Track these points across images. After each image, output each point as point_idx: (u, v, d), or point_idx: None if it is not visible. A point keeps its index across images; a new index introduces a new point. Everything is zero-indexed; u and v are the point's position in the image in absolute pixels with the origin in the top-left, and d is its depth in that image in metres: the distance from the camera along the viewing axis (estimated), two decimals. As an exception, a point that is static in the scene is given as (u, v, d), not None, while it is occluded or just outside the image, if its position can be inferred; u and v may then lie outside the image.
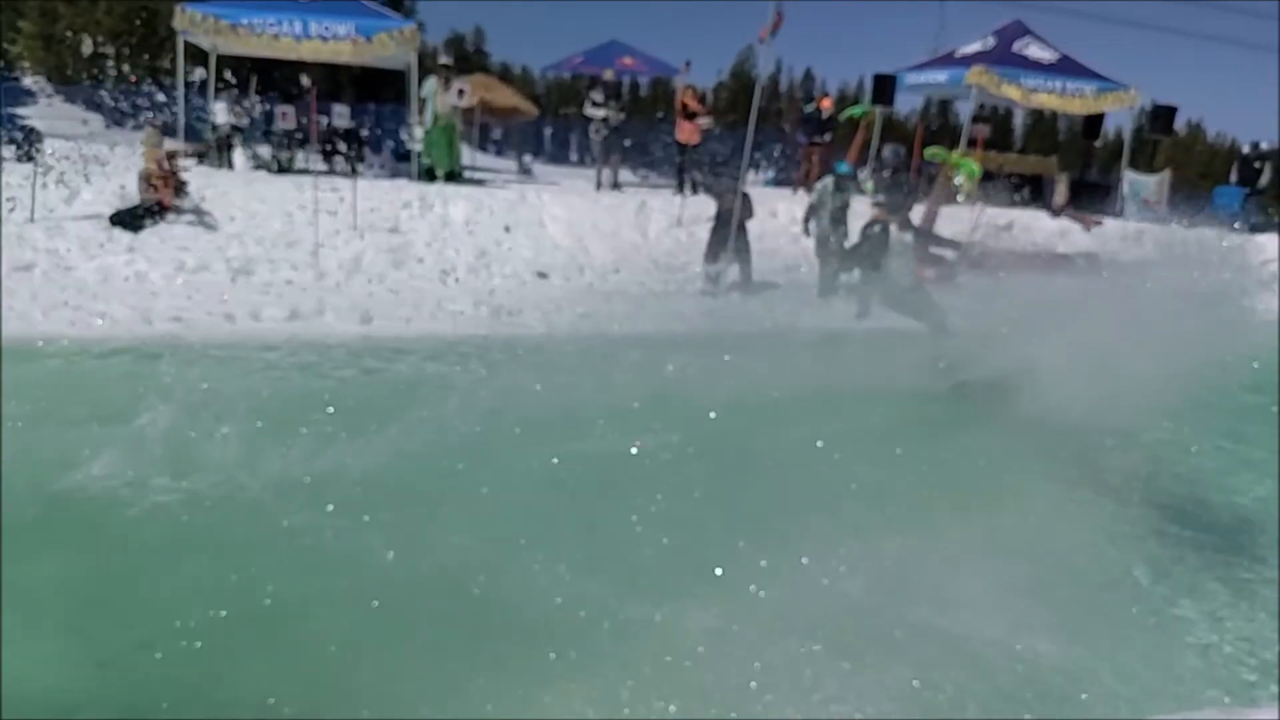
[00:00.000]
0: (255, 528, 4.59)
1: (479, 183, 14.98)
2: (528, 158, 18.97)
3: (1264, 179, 18.54)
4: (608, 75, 15.66)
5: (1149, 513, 5.80)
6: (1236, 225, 17.15)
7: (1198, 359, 6.98)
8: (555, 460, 5.46)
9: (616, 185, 14.89)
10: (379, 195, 12.56)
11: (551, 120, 23.97)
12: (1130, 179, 18.52)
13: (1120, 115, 19.46)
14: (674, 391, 7.45)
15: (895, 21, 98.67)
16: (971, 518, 5.37)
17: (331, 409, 6.46)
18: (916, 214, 13.45)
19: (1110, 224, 16.52)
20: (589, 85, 16.61)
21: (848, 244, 12.04)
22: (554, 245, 12.38)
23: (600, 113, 14.69)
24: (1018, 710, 3.65)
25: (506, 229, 12.47)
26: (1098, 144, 21.57)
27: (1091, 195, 17.81)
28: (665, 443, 6.05)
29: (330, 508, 4.65)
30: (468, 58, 50.58)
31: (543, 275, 11.64)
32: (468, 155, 16.25)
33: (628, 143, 16.77)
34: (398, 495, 4.94)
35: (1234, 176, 18.93)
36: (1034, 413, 7.27)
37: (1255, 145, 18.87)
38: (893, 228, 9.36)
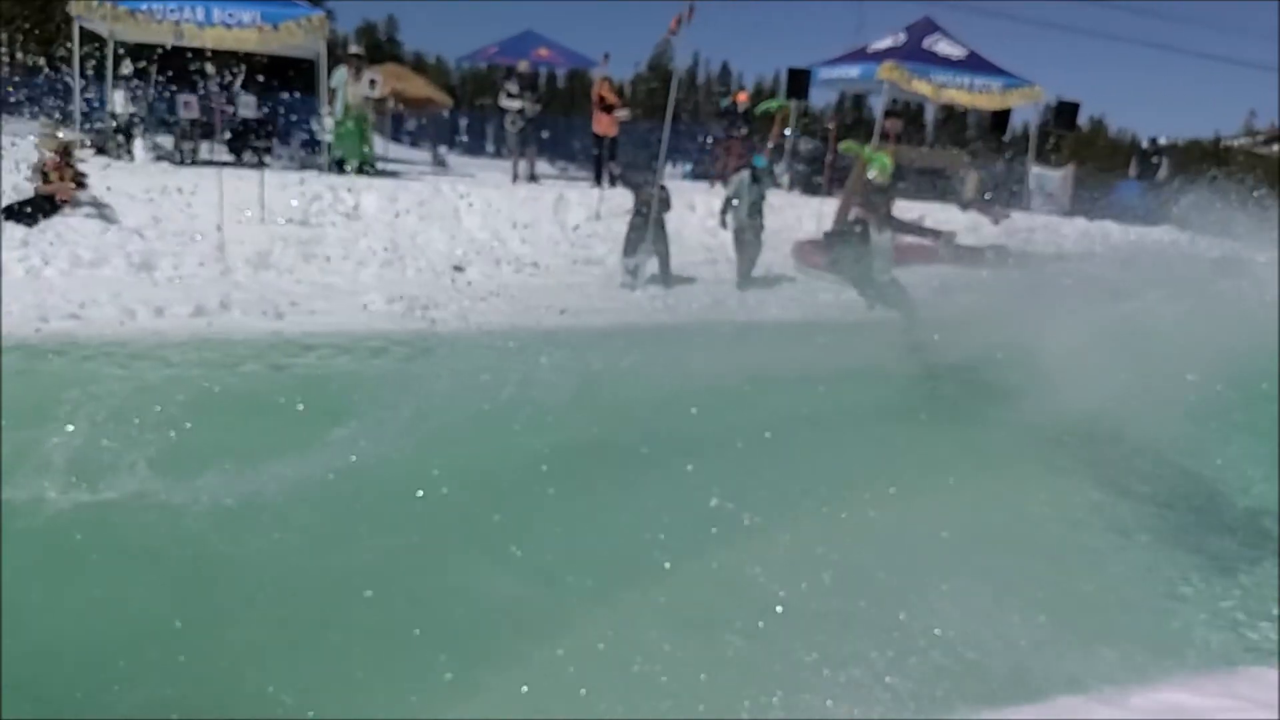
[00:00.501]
0: (156, 534, 4.40)
1: (392, 175, 14.70)
2: (442, 149, 18.71)
3: (1161, 173, 19.25)
4: (522, 66, 15.48)
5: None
6: (1137, 218, 17.82)
7: (1101, 345, 7.24)
8: (471, 457, 5.38)
9: (534, 177, 14.76)
10: (288, 187, 12.21)
11: (467, 111, 23.66)
12: (1036, 173, 19.03)
13: (1026, 111, 20.00)
14: (593, 385, 7.39)
15: (813, 17, 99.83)
16: (886, 500, 5.43)
17: (238, 407, 6.26)
18: (829, 209, 13.63)
19: (1018, 217, 16.95)
20: (505, 76, 16.43)
21: (763, 235, 12.19)
22: (470, 238, 12.20)
23: (515, 104, 14.53)
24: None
25: (421, 222, 12.25)
26: (1005, 139, 22.11)
27: (999, 189, 18.25)
28: (585, 437, 6.00)
29: (231, 504, 4.49)
30: (380, 47, 49.69)
31: (458, 269, 11.45)
32: (380, 147, 15.94)
33: (545, 134, 16.65)
34: (307, 496, 4.79)
35: (1133, 171, 19.61)
36: (949, 396, 7.43)
37: (1153, 141, 19.55)
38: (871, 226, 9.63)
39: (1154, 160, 19.43)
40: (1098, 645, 4.05)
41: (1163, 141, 19.53)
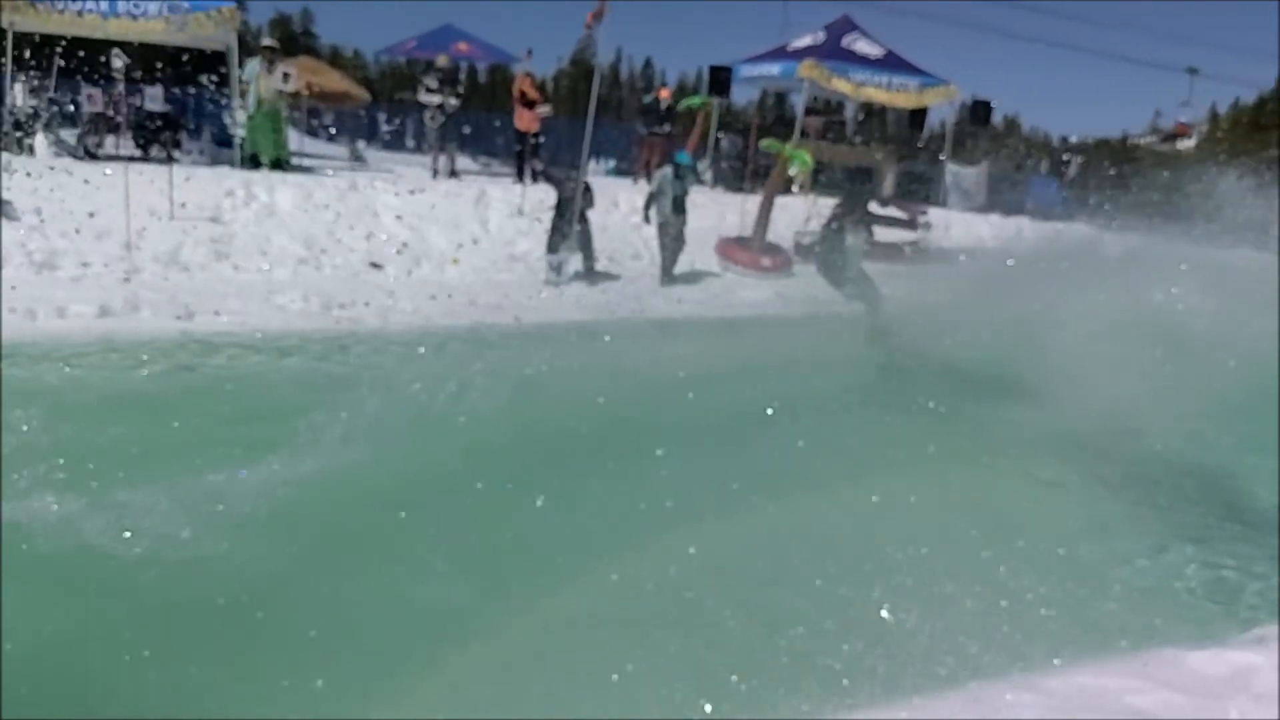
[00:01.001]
0: (53, 543, 4.20)
1: (307, 170, 14.36)
2: (360, 144, 18.35)
3: (1072, 171, 19.82)
4: (442, 61, 15.23)
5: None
6: (1049, 215, 18.33)
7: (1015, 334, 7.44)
8: (390, 457, 5.26)
9: (454, 173, 14.56)
10: (198, 183, 11.84)
11: (386, 106, 23.26)
12: (952, 171, 19.42)
13: (943, 109, 20.41)
14: (517, 383, 7.30)
15: (737, 14, 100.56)
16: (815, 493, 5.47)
17: (144, 411, 6.04)
18: (752, 206, 13.73)
19: (935, 213, 17.25)
20: (424, 71, 16.17)
21: (685, 230, 12.23)
22: (388, 235, 11.96)
23: (434, 99, 14.30)
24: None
25: (338, 218, 11.98)
26: (922, 137, 22.52)
27: (917, 186, 18.59)
28: (509, 436, 5.92)
29: (134, 509, 4.31)
30: (294, 39, 48.55)
31: (377, 266, 11.24)
32: (295, 141, 15.55)
33: (467, 130, 16.45)
34: (218, 499, 4.62)
35: (1044, 169, 20.15)
36: (873, 388, 7.54)
37: (1064, 140, 20.09)
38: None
39: (1065, 159, 19.99)
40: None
41: (1074, 140, 20.08)
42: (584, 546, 4.51)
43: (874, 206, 10.94)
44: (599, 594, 4.28)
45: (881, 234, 14.56)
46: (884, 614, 4.03)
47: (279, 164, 13.61)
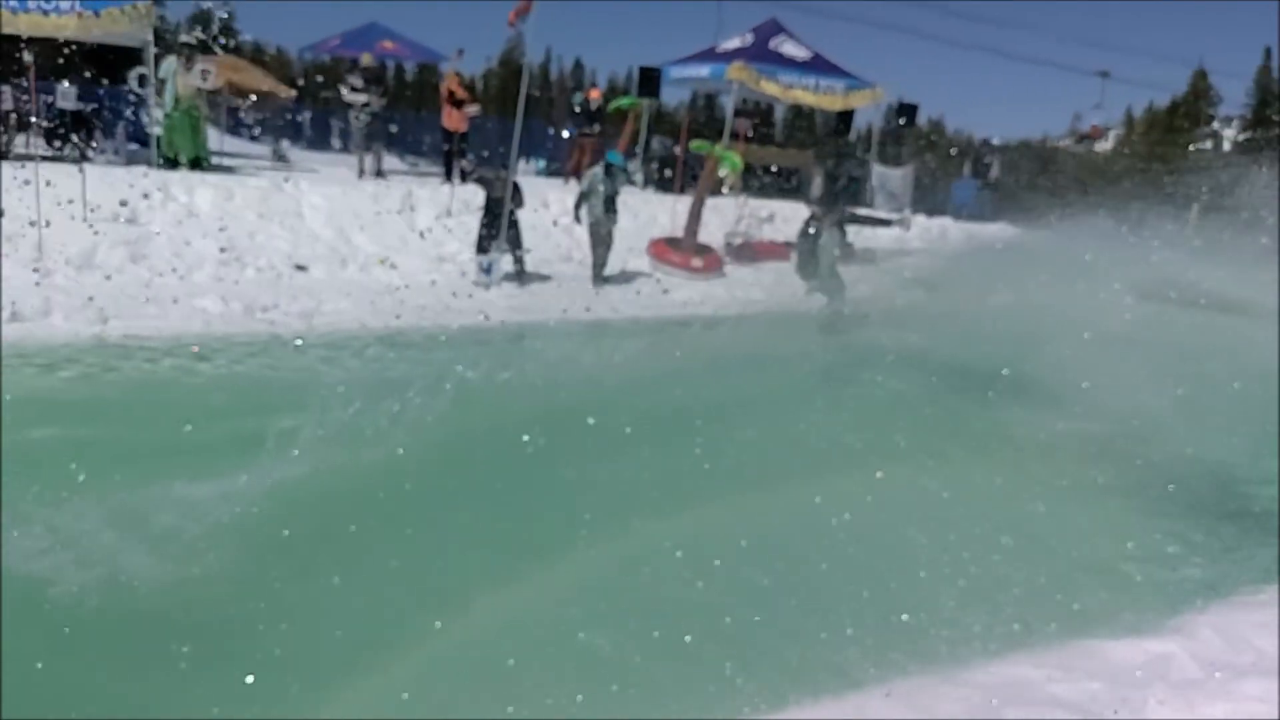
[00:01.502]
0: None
1: (228, 170, 14.01)
2: (284, 144, 17.94)
3: (993, 173, 20.25)
4: (366, 60, 14.96)
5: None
6: (973, 215, 18.71)
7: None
8: (313, 464, 5.13)
9: (381, 174, 14.32)
10: (114, 183, 11.44)
11: (310, 105, 22.79)
12: (879, 172, 19.68)
13: (870, 111, 20.67)
14: (446, 387, 7.19)
15: (669, 15, 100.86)
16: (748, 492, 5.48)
17: (57, 417, 5.83)
18: (683, 207, 13.77)
19: (861, 213, 17.49)
20: (348, 69, 15.88)
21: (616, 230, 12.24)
22: (313, 236, 11.74)
23: (359, 98, 14.03)
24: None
25: (260, 220, 11.71)
26: (850, 139, 22.80)
27: (844, 188, 18.77)
28: (438, 442, 5.82)
29: (47, 519, 4.15)
30: (214, 36, 47.32)
31: (301, 268, 11.01)
32: (216, 141, 15.16)
33: (394, 129, 16.21)
34: (136, 508, 4.47)
35: (967, 170, 20.54)
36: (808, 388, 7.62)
37: (985, 141, 20.55)
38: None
39: (986, 161, 20.40)
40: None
41: (996, 142, 20.53)
42: (516, 553, 4.45)
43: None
44: (548, 596, 4.24)
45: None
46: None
47: (198, 164, 13.26)
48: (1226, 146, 44.84)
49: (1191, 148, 42.84)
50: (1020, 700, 3.39)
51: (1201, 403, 7.50)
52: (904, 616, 4.15)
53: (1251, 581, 4.70)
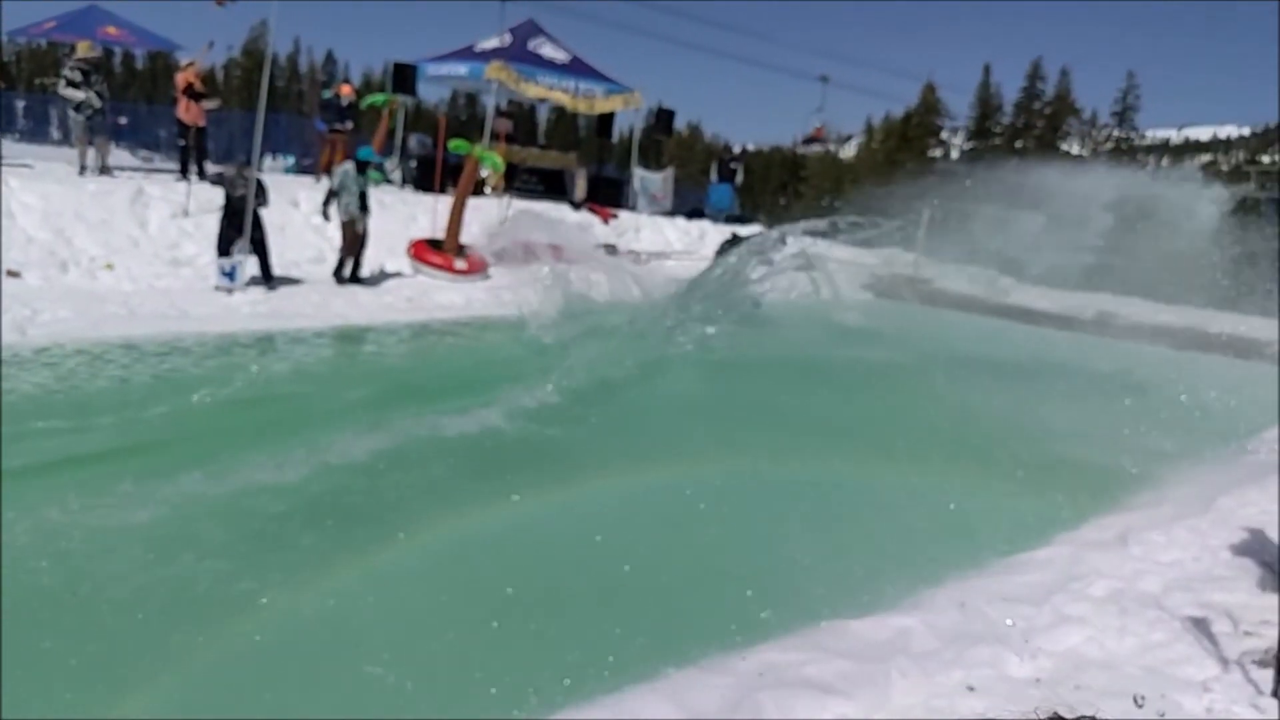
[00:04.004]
0: None
1: (-78, 164, 12.38)
2: (-7, 136, 16.09)
3: (738, 177, 21.12)
4: (84, 49, 13.44)
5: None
6: (730, 218, 19.42)
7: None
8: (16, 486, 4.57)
9: (106, 169, 13.04)
10: None
11: (24, 93, 20.58)
12: (640, 175, 20.04)
13: (632, 115, 21.00)
14: (181, 402, 6.66)
15: (431, 11, 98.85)
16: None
17: None
18: (444, 208, 13.43)
19: (625, 216, 17.75)
20: (67, 55, 14.35)
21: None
22: (27, 238, 10.54)
23: (77, 95, 12.59)
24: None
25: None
26: (612, 142, 23.12)
27: (607, 190, 19.00)
28: (175, 463, 5.35)
29: None
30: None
31: (13, 274, 9.85)
32: (-94, 131, 13.39)
33: (123, 120, 14.86)
34: None
35: (714, 176, 21.28)
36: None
37: (727, 147, 21.36)
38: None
39: (732, 166, 21.20)
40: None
41: (751, 148, 21.42)
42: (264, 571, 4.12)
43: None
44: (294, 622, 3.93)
45: (575, 236, 14.83)
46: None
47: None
48: (955, 155, 48.94)
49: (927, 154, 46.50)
50: (777, 684, 3.47)
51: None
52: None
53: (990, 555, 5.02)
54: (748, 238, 13.34)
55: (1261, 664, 3.68)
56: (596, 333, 9.80)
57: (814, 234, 13.92)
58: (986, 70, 49.25)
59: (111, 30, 18.57)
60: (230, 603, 4.00)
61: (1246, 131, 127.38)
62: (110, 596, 3.93)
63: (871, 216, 14.43)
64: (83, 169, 12.75)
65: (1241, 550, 4.99)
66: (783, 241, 13.46)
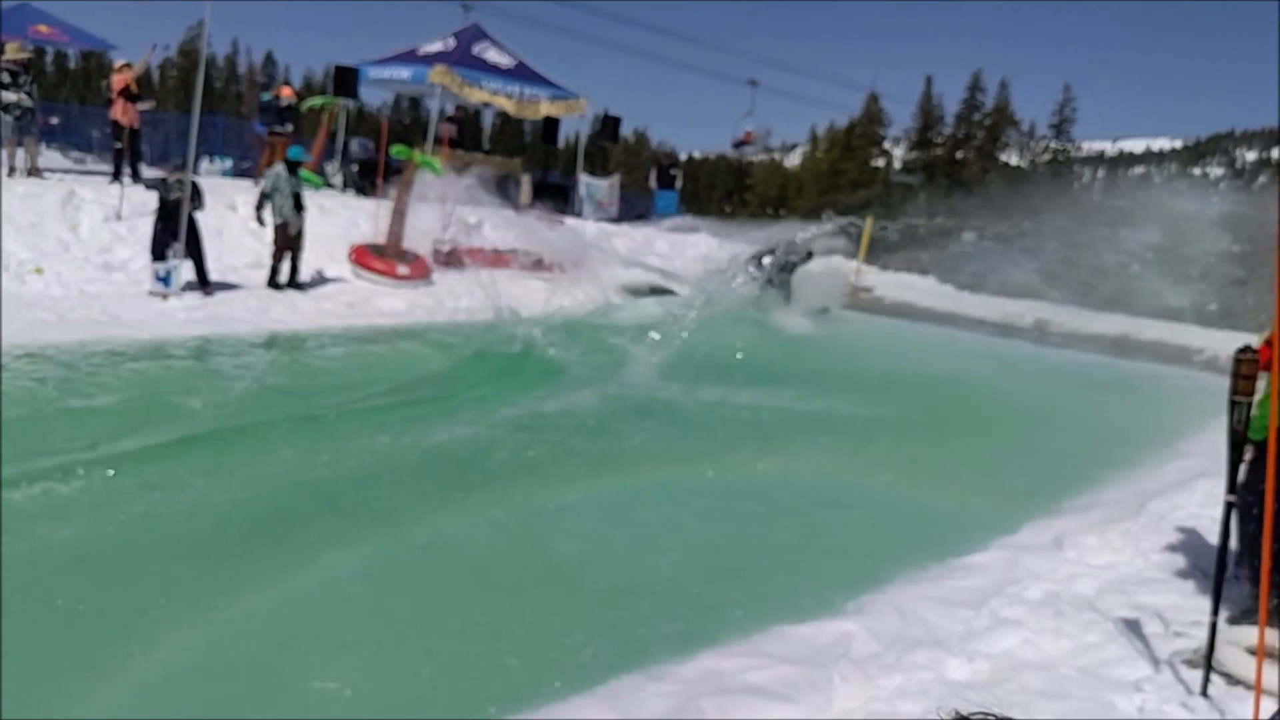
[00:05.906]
0: None
1: None
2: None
3: (678, 184, 21.20)
4: (14, 49, 13.01)
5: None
6: (675, 226, 19.46)
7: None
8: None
9: (36, 171, 12.69)
10: None
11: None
12: (585, 181, 19.97)
13: (577, 121, 20.94)
14: (110, 410, 6.49)
15: (372, 13, 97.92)
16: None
17: None
18: (386, 212, 13.29)
19: (571, 223, 17.68)
20: (-2, 54, 13.91)
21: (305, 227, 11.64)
22: (-50, 242, 10.22)
23: (10, 96, 12.21)
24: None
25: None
26: (558, 148, 23.07)
27: (553, 196, 18.91)
28: (99, 474, 5.21)
29: None
30: None
31: (-65, 278, 9.55)
32: None
33: (54, 120, 14.45)
34: None
35: (653, 182, 21.31)
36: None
37: (667, 154, 21.42)
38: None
39: (671, 173, 21.24)
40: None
41: (697, 155, 21.55)
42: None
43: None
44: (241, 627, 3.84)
45: (525, 243, 14.80)
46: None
47: None
48: (897, 164, 49.55)
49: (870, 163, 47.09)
50: (720, 691, 3.47)
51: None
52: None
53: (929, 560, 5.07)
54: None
55: (1191, 664, 3.75)
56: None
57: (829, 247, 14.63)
58: (929, 81, 50.04)
59: (43, 29, 18.02)
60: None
61: (1179, 144, 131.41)
62: None
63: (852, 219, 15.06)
64: (11, 170, 12.39)
65: (1172, 553, 5.10)
66: (809, 255, 13.90)
